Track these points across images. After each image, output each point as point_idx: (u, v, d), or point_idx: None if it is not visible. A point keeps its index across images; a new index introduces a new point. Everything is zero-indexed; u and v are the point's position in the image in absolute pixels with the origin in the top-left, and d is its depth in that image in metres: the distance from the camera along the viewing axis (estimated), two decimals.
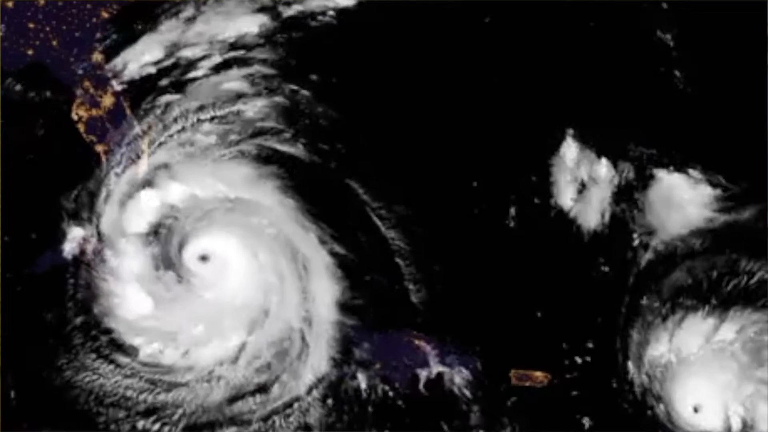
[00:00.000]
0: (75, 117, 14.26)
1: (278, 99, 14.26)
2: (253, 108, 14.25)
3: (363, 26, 14.45)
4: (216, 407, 13.68)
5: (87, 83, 14.39)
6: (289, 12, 14.47)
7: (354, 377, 13.88)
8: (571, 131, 14.19)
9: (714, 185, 13.98)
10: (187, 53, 14.22)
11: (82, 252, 13.90)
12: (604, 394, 13.69)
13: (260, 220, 14.14)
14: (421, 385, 13.78)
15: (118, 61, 14.23)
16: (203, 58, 14.25)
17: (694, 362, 13.55)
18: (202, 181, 14.11)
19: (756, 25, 14.32)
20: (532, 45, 14.47)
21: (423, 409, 13.84)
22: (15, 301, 13.69)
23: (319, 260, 14.03)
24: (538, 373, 13.74)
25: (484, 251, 14.07)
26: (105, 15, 14.54)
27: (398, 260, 14.05)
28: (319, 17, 14.52)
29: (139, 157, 14.12)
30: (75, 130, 14.20)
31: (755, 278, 13.62)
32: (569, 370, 13.77)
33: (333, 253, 14.08)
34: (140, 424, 13.54)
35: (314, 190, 14.20)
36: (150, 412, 13.62)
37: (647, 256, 13.88)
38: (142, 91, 14.17)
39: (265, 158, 14.14)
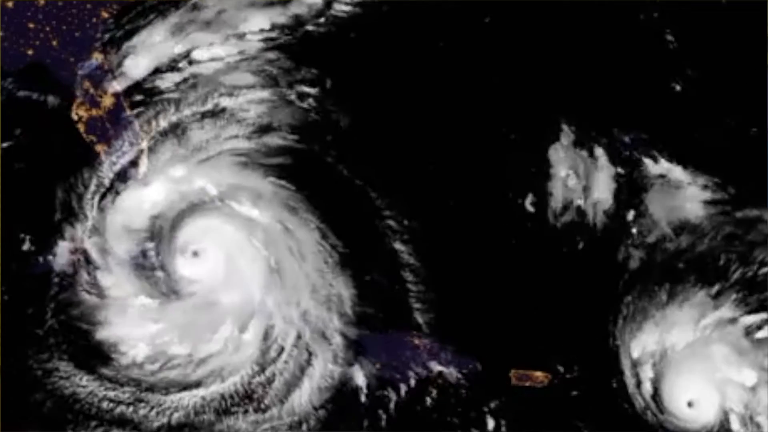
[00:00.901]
0: (75, 117, 14.25)
1: (283, 95, 14.32)
2: (257, 105, 14.30)
3: (365, 26, 14.47)
4: (207, 415, 13.77)
5: (87, 83, 14.38)
6: (297, 10, 14.49)
7: (354, 377, 13.90)
8: (568, 128, 14.21)
9: (712, 183, 13.99)
10: (190, 47, 14.34)
11: (74, 252, 13.97)
12: (601, 392, 13.71)
13: (257, 217, 14.17)
14: (421, 385, 13.82)
15: (120, 57, 14.31)
16: (207, 52, 14.33)
17: (688, 357, 13.56)
18: (200, 178, 14.16)
19: (756, 25, 14.39)
20: (531, 43, 14.49)
21: (423, 409, 13.85)
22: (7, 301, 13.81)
23: (318, 258, 14.05)
24: (538, 373, 13.74)
25: (482, 248, 14.09)
26: (105, 15, 14.55)
27: (404, 272, 14.08)
28: (319, 16, 14.55)
29: (138, 156, 14.13)
30: (75, 130, 14.20)
31: (748, 273, 13.67)
32: (566, 369, 13.77)
33: (334, 253, 14.09)
34: None
35: (314, 184, 14.22)
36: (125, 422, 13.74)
37: (642, 253, 13.93)
38: (142, 90, 14.29)
39: (268, 156, 14.21)
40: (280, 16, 14.39)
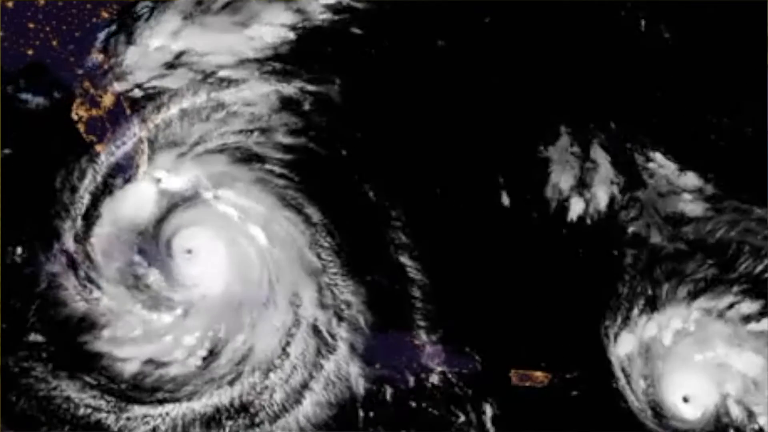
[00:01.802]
0: (75, 117, 14.25)
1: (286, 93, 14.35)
2: (261, 103, 14.33)
3: (367, 27, 14.50)
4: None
5: (87, 83, 14.39)
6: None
7: (352, 376, 13.89)
8: (566, 128, 14.24)
9: (710, 182, 14.03)
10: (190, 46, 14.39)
11: (64, 252, 13.95)
12: (598, 391, 13.72)
13: (253, 215, 14.16)
14: (420, 385, 13.82)
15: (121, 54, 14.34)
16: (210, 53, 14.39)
17: (682, 352, 13.58)
18: (197, 175, 14.15)
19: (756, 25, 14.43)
20: (529, 44, 14.51)
21: (423, 408, 13.85)
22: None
23: (315, 257, 14.06)
24: (539, 373, 13.74)
25: (480, 248, 14.11)
26: (105, 15, 14.56)
27: (402, 260, 14.07)
28: (321, 16, 14.56)
29: (138, 154, 14.14)
30: (75, 130, 14.21)
31: (745, 268, 13.70)
32: (564, 367, 13.78)
33: (334, 253, 14.09)
34: None
35: (313, 179, 14.25)
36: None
37: (636, 250, 13.97)
38: (141, 87, 14.31)
39: (266, 154, 14.23)
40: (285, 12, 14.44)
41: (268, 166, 14.22)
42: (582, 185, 14.20)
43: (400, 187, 14.20)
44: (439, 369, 13.86)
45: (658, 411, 13.59)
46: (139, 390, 13.66)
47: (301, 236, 14.12)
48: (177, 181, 14.10)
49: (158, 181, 14.03)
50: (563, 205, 14.16)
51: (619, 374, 13.69)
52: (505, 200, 14.18)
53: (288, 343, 13.92)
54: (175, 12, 14.31)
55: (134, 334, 13.75)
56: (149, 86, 14.25)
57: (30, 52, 14.38)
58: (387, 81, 14.35)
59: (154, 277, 13.88)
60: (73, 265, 13.85)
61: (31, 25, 14.44)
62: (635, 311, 13.81)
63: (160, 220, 14.03)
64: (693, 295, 13.77)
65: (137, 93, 14.24)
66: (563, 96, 14.34)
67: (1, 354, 13.52)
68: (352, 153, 14.22)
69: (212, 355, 13.84)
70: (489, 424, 13.78)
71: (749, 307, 13.63)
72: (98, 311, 13.69)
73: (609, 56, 14.42)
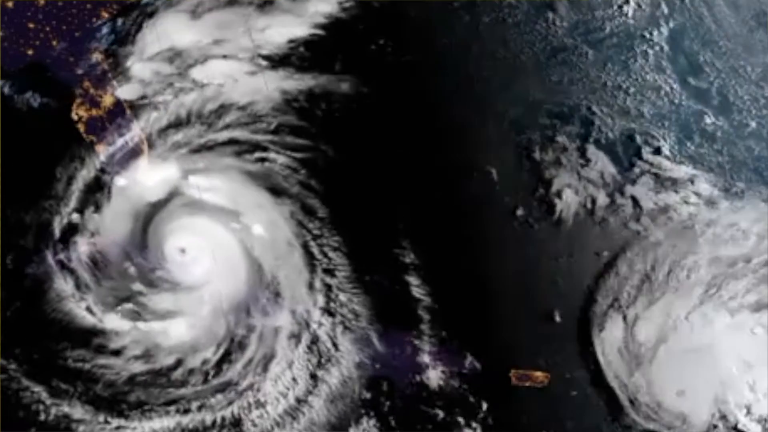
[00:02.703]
0: (75, 117, 14.25)
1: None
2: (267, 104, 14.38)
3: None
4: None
5: (87, 83, 14.39)
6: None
7: (352, 376, 13.90)
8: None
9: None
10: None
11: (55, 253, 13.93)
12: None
13: (254, 215, 14.17)
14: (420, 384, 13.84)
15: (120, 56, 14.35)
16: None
17: (677, 348, 13.60)
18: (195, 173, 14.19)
19: None
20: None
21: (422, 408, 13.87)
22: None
23: (311, 257, 14.06)
24: (539, 373, 13.73)
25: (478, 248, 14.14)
26: (105, 15, 14.55)
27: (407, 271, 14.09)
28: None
29: (139, 153, 14.15)
30: (75, 130, 14.21)
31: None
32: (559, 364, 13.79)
33: (333, 252, 14.10)
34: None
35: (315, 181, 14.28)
36: None
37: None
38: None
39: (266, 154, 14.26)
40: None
41: (267, 164, 14.27)
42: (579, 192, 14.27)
43: (402, 191, 14.27)
44: (440, 369, 13.85)
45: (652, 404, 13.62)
46: (120, 401, 13.66)
47: (300, 234, 14.15)
48: (171, 179, 14.13)
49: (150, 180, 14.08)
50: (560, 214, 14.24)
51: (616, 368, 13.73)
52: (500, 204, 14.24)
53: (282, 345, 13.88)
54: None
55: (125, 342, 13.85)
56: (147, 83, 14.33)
57: (30, 52, 14.39)
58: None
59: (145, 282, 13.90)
60: (65, 268, 13.85)
61: (31, 25, 14.44)
62: (625, 307, 13.86)
63: (152, 219, 14.05)
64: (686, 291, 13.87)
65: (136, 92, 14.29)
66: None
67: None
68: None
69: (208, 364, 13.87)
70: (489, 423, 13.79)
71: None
72: (83, 320, 13.73)
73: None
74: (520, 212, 14.12)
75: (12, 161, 14.00)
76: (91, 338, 13.67)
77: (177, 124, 14.24)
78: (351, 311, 13.99)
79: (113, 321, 13.76)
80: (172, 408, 13.69)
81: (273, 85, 14.19)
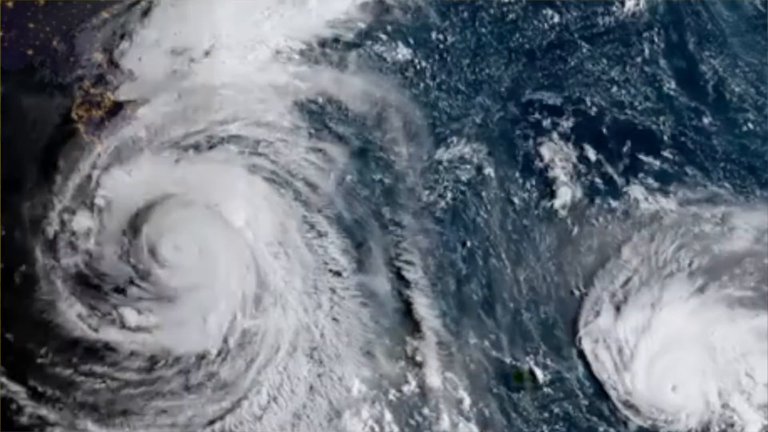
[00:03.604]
0: (75, 117, 14.26)
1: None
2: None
3: None
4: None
5: (87, 83, 14.40)
6: None
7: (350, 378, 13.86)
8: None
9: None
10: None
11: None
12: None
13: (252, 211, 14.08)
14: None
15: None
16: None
17: (671, 342, 13.60)
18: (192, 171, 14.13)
19: None
20: None
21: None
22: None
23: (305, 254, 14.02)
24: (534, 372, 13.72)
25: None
26: (105, 15, 14.60)
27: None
28: None
29: (138, 151, 14.18)
30: (75, 130, 14.22)
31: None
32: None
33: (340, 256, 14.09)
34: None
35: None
36: None
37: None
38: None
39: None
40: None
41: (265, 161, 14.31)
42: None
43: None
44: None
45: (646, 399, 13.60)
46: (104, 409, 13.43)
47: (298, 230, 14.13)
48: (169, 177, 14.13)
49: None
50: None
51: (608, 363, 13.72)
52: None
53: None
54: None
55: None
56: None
57: (30, 52, 14.40)
58: None
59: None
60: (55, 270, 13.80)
61: (31, 25, 14.46)
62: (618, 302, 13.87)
63: (145, 215, 13.98)
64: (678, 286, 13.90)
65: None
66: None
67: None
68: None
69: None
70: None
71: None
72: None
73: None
74: (513, 206, 14.16)
75: (12, 161, 14.03)
76: (77, 344, 13.45)
77: (176, 121, 14.28)
78: (354, 315, 13.91)
79: (103, 328, 13.56)
80: (160, 418, 13.50)
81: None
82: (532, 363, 13.75)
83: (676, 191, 14.30)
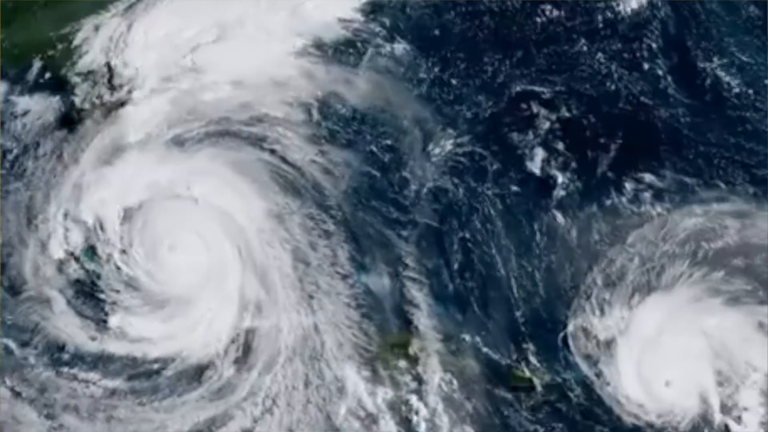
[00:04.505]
0: (75, 116, 14.40)
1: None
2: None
3: None
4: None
5: (87, 83, 14.51)
6: None
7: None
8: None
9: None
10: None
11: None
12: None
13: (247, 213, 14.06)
14: None
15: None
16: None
17: (664, 337, 13.44)
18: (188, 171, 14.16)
19: None
20: None
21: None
22: None
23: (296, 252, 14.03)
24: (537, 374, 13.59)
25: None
26: (105, 15, 14.77)
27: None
28: None
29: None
30: (75, 130, 14.38)
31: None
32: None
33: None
34: None
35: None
36: None
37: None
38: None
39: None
40: None
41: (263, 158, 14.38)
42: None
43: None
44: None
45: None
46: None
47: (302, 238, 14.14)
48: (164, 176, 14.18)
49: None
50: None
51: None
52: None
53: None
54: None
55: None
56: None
57: (30, 52, 14.56)
58: None
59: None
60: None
61: (32, 25, 14.66)
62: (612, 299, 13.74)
63: (142, 216, 13.99)
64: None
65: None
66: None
67: None
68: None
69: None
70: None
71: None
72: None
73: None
74: (506, 201, 14.11)
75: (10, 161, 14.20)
76: (63, 349, 13.47)
77: (173, 119, 14.39)
78: (347, 316, 13.84)
79: (93, 333, 13.57)
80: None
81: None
82: (525, 362, 13.60)
83: (669, 188, 14.15)
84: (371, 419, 13.33)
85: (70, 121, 14.32)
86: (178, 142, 14.25)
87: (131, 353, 13.42)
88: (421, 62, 14.77)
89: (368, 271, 13.91)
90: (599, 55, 14.71)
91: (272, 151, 14.29)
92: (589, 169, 14.31)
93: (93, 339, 13.46)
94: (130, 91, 14.43)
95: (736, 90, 14.53)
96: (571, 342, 13.58)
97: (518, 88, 14.59)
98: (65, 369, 13.35)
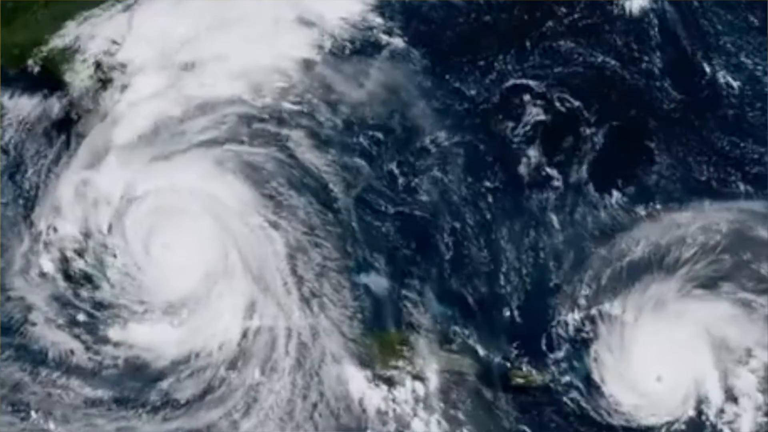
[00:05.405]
0: (75, 117, 14.42)
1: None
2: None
3: None
4: None
5: (87, 82, 14.53)
6: None
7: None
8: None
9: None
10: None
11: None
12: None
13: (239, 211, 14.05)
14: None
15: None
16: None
17: (656, 333, 13.48)
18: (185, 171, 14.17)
19: None
20: None
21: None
22: None
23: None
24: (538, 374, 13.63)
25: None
26: (103, 13, 14.79)
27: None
28: None
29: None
30: (75, 130, 14.39)
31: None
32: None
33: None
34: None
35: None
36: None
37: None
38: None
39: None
40: None
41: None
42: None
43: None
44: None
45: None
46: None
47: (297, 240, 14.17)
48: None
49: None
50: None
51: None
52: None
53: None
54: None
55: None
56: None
57: (30, 52, 14.56)
58: None
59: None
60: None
61: (32, 24, 14.65)
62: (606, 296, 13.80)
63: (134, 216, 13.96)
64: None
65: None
66: None
67: None
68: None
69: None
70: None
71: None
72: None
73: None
74: (498, 195, 14.17)
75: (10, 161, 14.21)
76: (48, 354, 13.43)
77: (172, 117, 14.42)
78: (343, 315, 13.85)
79: (80, 339, 13.54)
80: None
81: None
82: (522, 363, 13.62)
83: (662, 185, 14.26)
84: (370, 419, 13.42)
85: (68, 121, 14.35)
86: (177, 141, 14.26)
87: (119, 359, 13.37)
88: (416, 56, 14.81)
89: (368, 270, 13.97)
90: (595, 50, 14.78)
91: (272, 150, 14.33)
92: (582, 165, 14.37)
93: (84, 345, 13.41)
94: (128, 91, 14.47)
95: (733, 88, 14.63)
96: (565, 341, 13.66)
97: (512, 82, 14.67)
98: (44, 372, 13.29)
